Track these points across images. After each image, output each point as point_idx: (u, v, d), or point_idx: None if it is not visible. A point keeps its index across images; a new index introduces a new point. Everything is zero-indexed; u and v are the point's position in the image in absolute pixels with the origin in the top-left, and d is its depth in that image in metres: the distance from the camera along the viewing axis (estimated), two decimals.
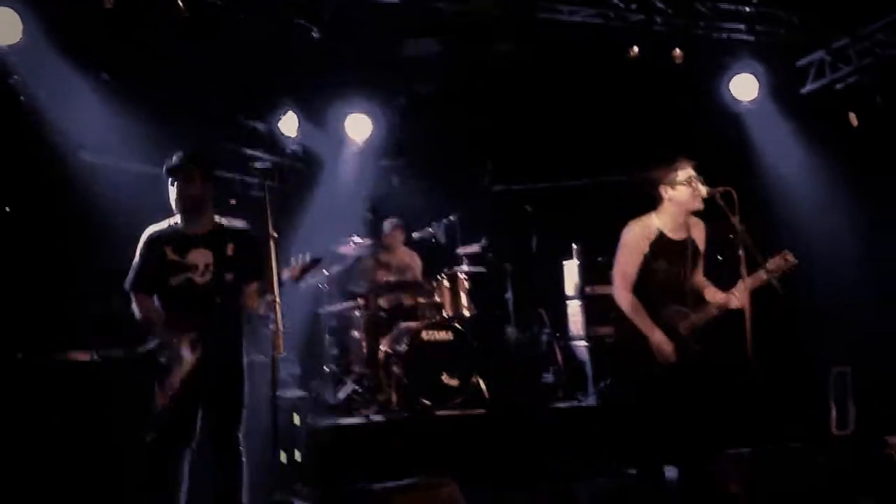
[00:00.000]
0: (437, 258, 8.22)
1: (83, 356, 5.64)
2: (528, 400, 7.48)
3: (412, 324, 7.51)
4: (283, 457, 5.97)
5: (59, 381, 5.52)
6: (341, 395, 7.47)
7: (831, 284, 7.46)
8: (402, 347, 7.19)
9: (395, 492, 4.99)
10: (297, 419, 6.36)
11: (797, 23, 8.05)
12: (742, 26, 8.03)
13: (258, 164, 5.50)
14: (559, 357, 8.05)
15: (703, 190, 5.13)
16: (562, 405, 7.54)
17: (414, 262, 8.44)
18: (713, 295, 5.25)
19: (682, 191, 5.17)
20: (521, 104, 8.65)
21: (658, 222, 5.26)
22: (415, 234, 8.38)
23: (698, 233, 5.35)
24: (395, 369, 7.16)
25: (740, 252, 5.00)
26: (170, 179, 4.82)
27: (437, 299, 7.64)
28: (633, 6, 7.67)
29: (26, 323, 6.01)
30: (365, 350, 7.59)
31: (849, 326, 7.37)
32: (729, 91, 8.27)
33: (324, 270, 7.63)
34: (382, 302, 7.80)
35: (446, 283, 7.67)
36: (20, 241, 6.45)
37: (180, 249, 4.78)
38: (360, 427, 6.76)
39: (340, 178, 8.98)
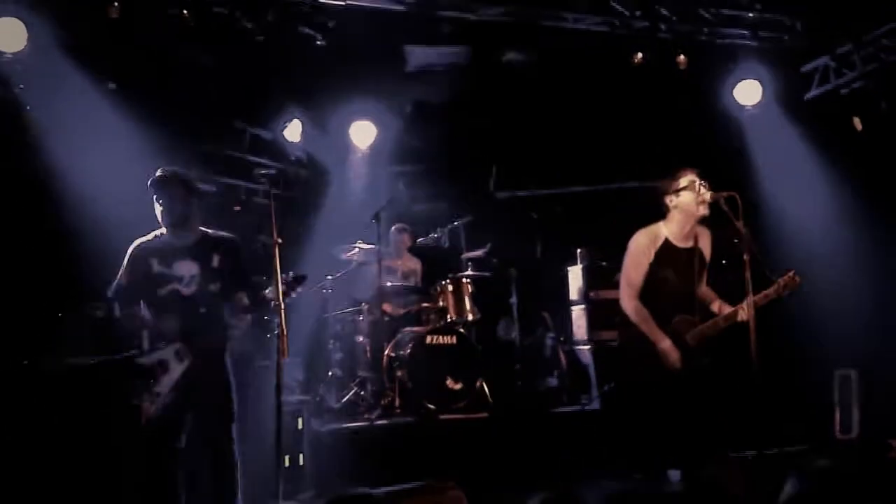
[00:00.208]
0: (442, 263, 8.24)
1: (82, 362, 5.68)
2: (531, 404, 7.49)
3: (416, 328, 7.53)
4: (286, 461, 5.98)
5: (61, 386, 5.56)
6: (345, 399, 7.48)
7: (835, 288, 7.44)
8: (406, 352, 7.21)
9: (399, 496, 4.99)
10: (300, 423, 6.38)
11: (801, 29, 8.05)
12: (746, 32, 8.03)
13: (263, 171, 5.59)
14: (563, 361, 8.06)
15: (708, 194, 5.16)
16: (566, 409, 7.55)
17: (417, 267, 8.47)
18: (721, 308, 5.28)
19: (686, 196, 5.20)
20: (526, 111, 8.66)
21: (665, 231, 5.30)
22: (420, 240, 8.41)
23: (705, 242, 5.37)
24: (399, 373, 7.18)
25: (745, 257, 5.01)
26: (154, 195, 4.91)
27: (442, 304, 7.66)
28: (638, 13, 7.68)
29: (25, 330, 6.04)
30: (369, 354, 7.62)
31: (853, 330, 7.36)
32: (733, 97, 8.27)
33: (325, 288, 7.69)
34: (387, 307, 7.82)
35: (451, 287, 7.69)
36: (19, 251, 6.49)
37: (166, 261, 4.89)
38: (364, 431, 6.77)
39: (345, 185, 9.00)
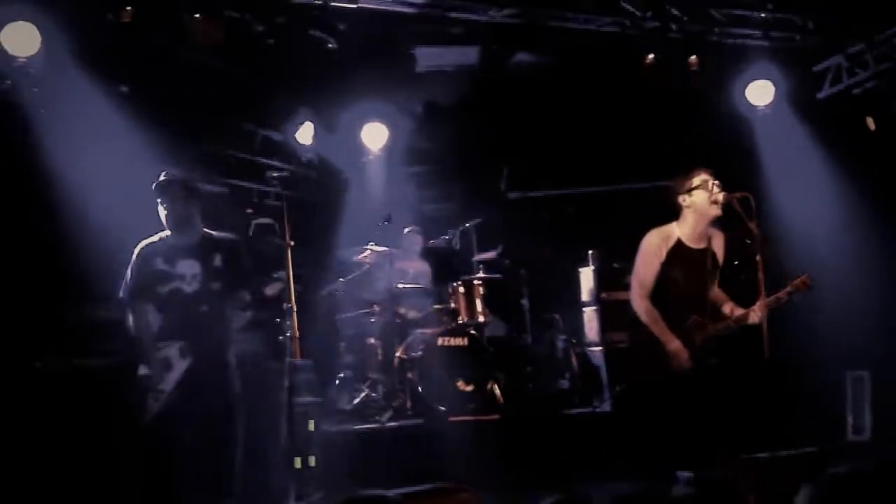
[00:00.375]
0: (454, 265, 8.24)
1: (90, 362, 5.72)
2: (542, 406, 7.49)
3: (427, 330, 7.53)
4: (297, 462, 5.99)
5: (70, 386, 5.60)
6: (356, 400, 7.49)
7: (847, 289, 7.40)
8: (418, 354, 7.22)
9: (411, 498, 4.99)
10: (311, 425, 6.37)
11: (813, 28, 8.02)
12: (757, 32, 8.00)
13: (276, 174, 5.68)
14: (574, 363, 8.05)
15: (721, 195, 5.14)
16: (577, 411, 7.54)
17: (428, 269, 8.47)
18: (732, 310, 5.26)
19: (699, 195, 5.19)
20: (537, 111, 8.66)
21: (678, 231, 5.29)
22: (431, 242, 8.41)
23: (718, 245, 5.35)
24: (411, 375, 7.19)
25: (757, 258, 4.99)
26: (157, 198, 5.04)
27: (453, 306, 7.66)
28: (649, 14, 7.66)
29: (30, 331, 6.08)
30: (380, 356, 7.63)
31: (865, 331, 7.32)
32: (745, 97, 8.24)
33: (336, 290, 7.71)
34: (398, 309, 7.83)
35: (462, 289, 7.69)
36: (25, 252, 6.52)
37: (169, 260, 5.04)
38: (375, 433, 6.79)
39: (356, 187, 9.01)
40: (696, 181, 5.21)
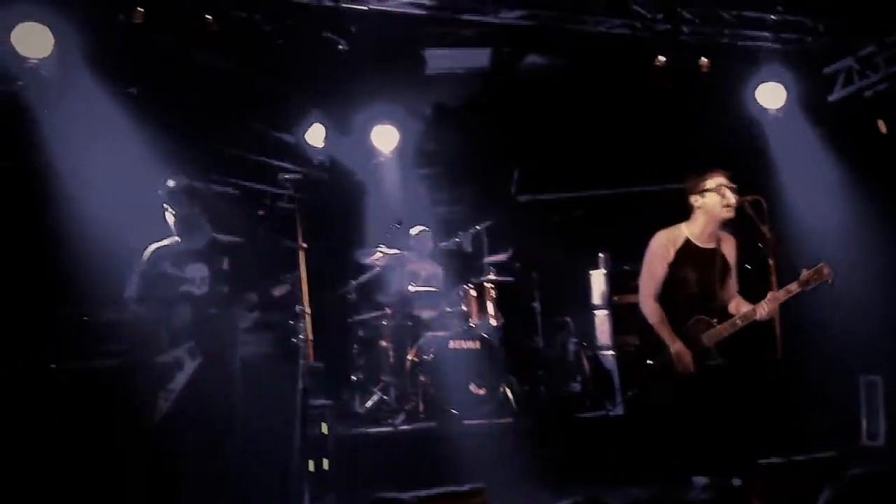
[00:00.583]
0: (465, 267, 8.24)
1: (101, 363, 5.76)
2: (555, 409, 7.49)
3: (440, 333, 7.54)
4: (310, 465, 6.00)
5: (83, 387, 5.63)
6: (369, 403, 7.50)
7: (860, 293, 7.39)
8: (429, 356, 7.22)
9: (424, 501, 5.00)
10: (324, 428, 6.39)
11: (823, 30, 8.01)
12: (768, 34, 7.99)
13: (288, 176, 5.72)
14: (586, 366, 8.04)
15: (733, 198, 5.13)
16: (589, 414, 7.54)
17: (439, 271, 8.47)
18: (739, 306, 5.24)
19: (711, 198, 5.18)
20: (548, 114, 8.66)
21: (686, 231, 5.28)
22: (442, 244, 8.41)
23: (729, 248, 5.34)
24: (423, 378, 7.20)
25: (770, 261, 4.98)
26: (165, 204, 5.17)
27: (464, 308, 7.67)
28: (660, 16, 7.66)
29: (46, 334, 6.11)
30: (392, 359, 7.63)
31: (878, 335, 7.31)
32: (756, 99, 8.23)
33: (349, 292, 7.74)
34: (410, 311, 7.83)
35: (473, 292, 7.70)
36: (36, 254, 6.55)
37: (178, 264, 5.14)
38: (388, 436, 6.79)
39: (368, 189, 9.02)
40: (709, 183, 5.20)
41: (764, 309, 5.04)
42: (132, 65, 6.91)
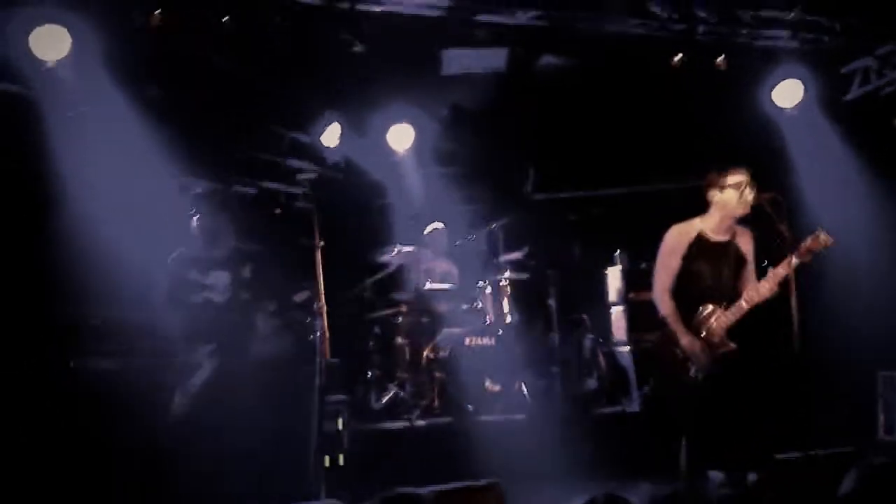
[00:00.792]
0: (480, 265, 8.27)
1: (119, 362, 5.83)
2: (571, 405, 7.50)
3: (455, 330, 7.57)
4: (327, 461, 6.04)
5: (101, 384, 5.70)
6: (385, 400, 7.53)
7: (877, 289, 7.38)
8: (445, 353, 7.25)
9: (442, 496, 5.03)
10: (340, 424, 6.42)
11: (841, 29, 7.99)
12: (785, 33, 7.97)
13: (305, 176, 5.79)
14: (602, 363, 8.06)
15: (751, 196, 5.13)
16: (606, 411, 7.55)
17: (455, 269, 8.50)
18: (746, 291, 5.23)
19: (730, 195, 5.18)
20: (563, 113, 8.67)
21: (700, 224, 5.29)
22: (457, 242, 8.44)
23: (745, 242, 5.34)
24: (439, 375, 7.23)
25: (788, 258, 4.97)
26: (191, 212, 5.24)
27: (480, 306, 7.69)
28: (675, 16, 7.66)
29: (67, 333, 6.17)
30: (408, 356, 7.66)
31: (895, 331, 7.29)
32: (772, 99, 8.22)
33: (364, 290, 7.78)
34: (426, 308, 7.86)
35: (489, 289, 7.72)
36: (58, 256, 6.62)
37: (202, 270, 5.22)
38: (404, 432, 6.82)
39: (383, 188, 9.06)
40: (730, 180, 5.20)
41: (765, 287, 5.04)
42: (149, 67, 6.96)
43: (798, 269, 4.97)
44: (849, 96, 8.39)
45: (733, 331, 5.16)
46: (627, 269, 8.27)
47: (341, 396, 7.03)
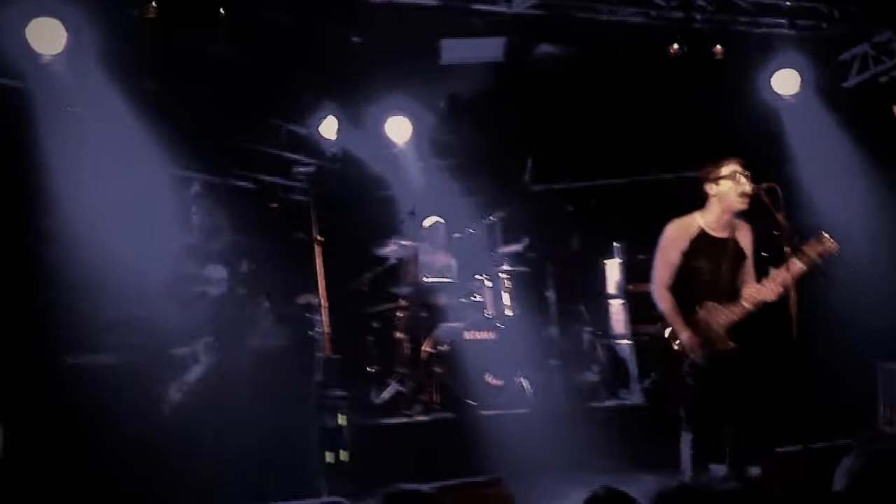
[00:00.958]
0: (479, 258, 8.25)
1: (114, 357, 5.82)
2: (571, 398, 7.49)
3: (455, 324, 7.55)
4: (328, 457, 6.03)
5: (96, 379, 5.69)
6: (385, 395, 7.52)
7: (877, 279, 7.36)
8: (445, 347, 7.23)
9: (445, 491, 5.01)
10: (341, 419, 6.42)
11: (838, 16, 7.96)
12: (783, 21, 7.94)
13: (302, 169, 5.76)
14: (602, 355, 8.05)
15: (748, 185, 5.11)
16: (606, 403, 7.54)
17: (453, 262, 8.48)
18: (746, 290, 5.22)
19: (726, 185, 5.15)
20: (562, 103, 8.64)
21: (701, 220, 5.26)
22: (455, 235, 8.42)
23: (744, 237, 5.31)
24: (438, 369, 7.21)
25: (785, 249, 4.96)
26: (190, 206, 5.22)
27: (479, 299, 7.67)
28: (673, 3, 7.62)
29: (63, 329, 6.16)
30: (408, 350, 7.64)
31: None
32: (770, 86, 8.19)
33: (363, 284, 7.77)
34: (425, 302, 7.84)
35: (488, 282, 7.70)
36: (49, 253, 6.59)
37: (199, 265, 5.20)
38: (404, 427, 6.81)
39: (381, 180, 9.03)
40: (724, 171, 5.17)
41: (767, 288, 5.02)
42: (145, 60, 6.91)
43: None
44: (847, 83, 8.36)
45: (733, 328, 5.14)
46: (626, 261, 8.25)
47: (342, 392, 7.04)
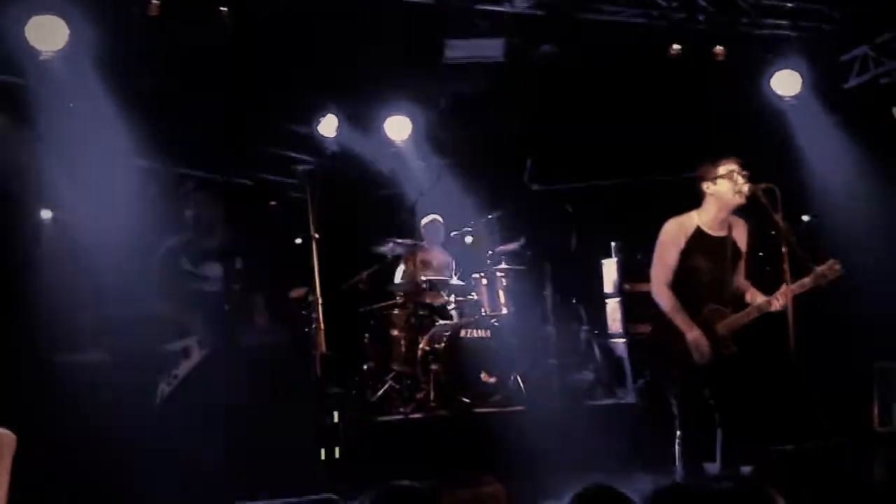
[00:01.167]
0: (476, 256, 8.25)
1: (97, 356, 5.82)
2: (566, 397, 7.49)
3: (451, 322, 7.55)
4: (322, 454, 6.03)
5: (85, 377, 5.70)
6: (380, 392, 7.52)
7: (875, 279, 7.35)
8: (441, 345, 7.23)
9: (440, 489, 5.01)
10: (336, 416, 6.41)
11: (839, 18, 7.95)
12: (784, 22, 7.95)
13: (301, 167, 5.79)
14: (598, 354, 8.05)
15: (745, 186, 5.11)
16: (601, 402, 7.54)
17: (451, 260, 8.48)
18: (754, 297, 5.23)
19: (723, 185, 5.15)
20: (561, 103, 8.63)
21: (697, 219, 5.26)
22: (453, 233, 8.42)
23: (740, 234, 5.31)
24: (434, 367, 7.20)
25: (783, 249, 4.96)
26: (184, 202, 5.36)
27: (476, 297, 7.67)
28: (675, 4, 7.62)
29: (53, 329, 6.16)
30: (404, 348, 7.64)
31: (892, 322, 7.27)
32: (771, 87, 8.18)
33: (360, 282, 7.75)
34: (421, 300, 7.84)
35: (485, 281, 7.70)
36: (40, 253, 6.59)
37: (194, 261, 5.21)
38: (399, 425, 6.81)
39: (380, 179, 9.02)
40: (721, 170, 5.18)
41: (779, 301, 5.04)
42: (145, 58, 6.92)
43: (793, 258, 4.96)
44: (848, 85, 8.36)
45: (735, 331, 5.16)
46: (623, 261, 8.24)
47: (337, 389, 7.03)
